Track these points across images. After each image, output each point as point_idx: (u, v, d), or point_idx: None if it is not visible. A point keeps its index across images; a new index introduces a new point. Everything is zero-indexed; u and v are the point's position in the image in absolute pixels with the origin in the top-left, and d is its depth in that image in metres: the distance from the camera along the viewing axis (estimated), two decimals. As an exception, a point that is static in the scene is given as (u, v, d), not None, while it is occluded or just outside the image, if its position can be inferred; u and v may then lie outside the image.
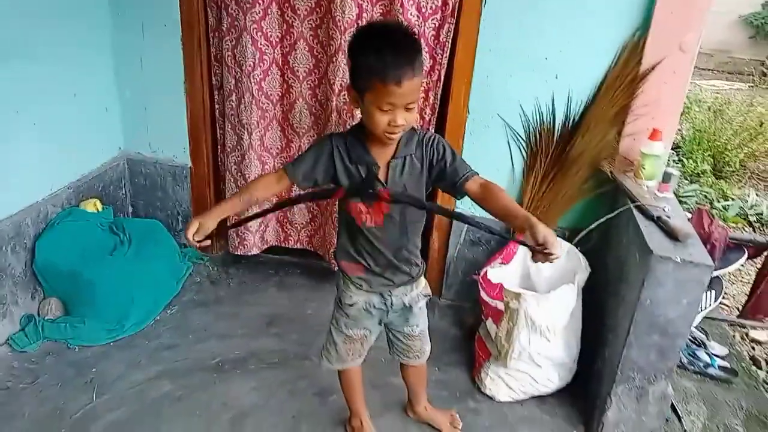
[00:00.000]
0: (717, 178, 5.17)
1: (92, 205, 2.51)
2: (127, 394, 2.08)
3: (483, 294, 2.10)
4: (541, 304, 1.93)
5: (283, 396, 2.13)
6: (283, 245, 2.85)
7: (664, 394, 1.87)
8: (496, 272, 2.13)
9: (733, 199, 4.65)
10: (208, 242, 1.50)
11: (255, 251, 2.77)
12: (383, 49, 1.33)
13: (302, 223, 2.78)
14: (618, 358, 1.86)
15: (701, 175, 5.06)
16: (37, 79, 2.27)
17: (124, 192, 2.84)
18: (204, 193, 2.82)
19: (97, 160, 2.68)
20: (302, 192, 1.65)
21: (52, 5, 2.27)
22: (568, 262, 2.17)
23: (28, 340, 2.25)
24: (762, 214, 4.48)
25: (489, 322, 2.13)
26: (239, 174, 2.62)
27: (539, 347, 2.01)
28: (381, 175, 1.51)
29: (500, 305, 2.03)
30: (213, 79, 2.60)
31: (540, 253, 1.28)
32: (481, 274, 2.13)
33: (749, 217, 4.46)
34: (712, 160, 5.36)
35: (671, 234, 1.79)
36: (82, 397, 2.05)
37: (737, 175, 5.40)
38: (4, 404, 2.00)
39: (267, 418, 2.03)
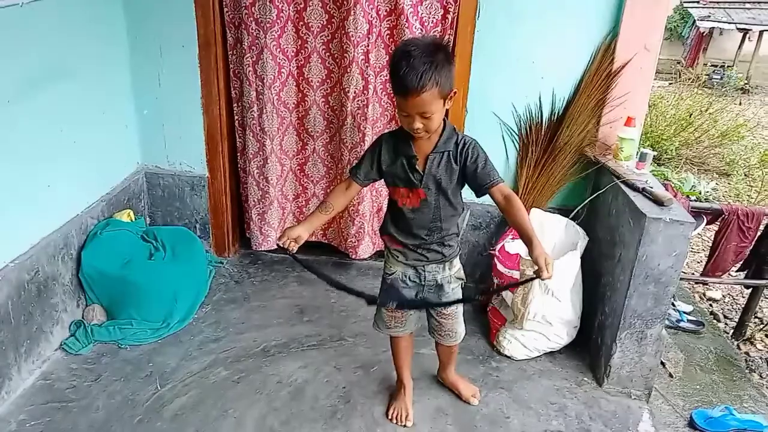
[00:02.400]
0: (658, 165, 5.75)
1: (126, 216, 2.67)
2: (189, 382, 2.27)
3: (499, 266, 2.42)
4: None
5: (330, 371, 2.37)
6: (299, 240, 3.08)
7: (659, 335, 2.24)
8: (510, 246, 2.45)
9: (679, 181, 5.21)
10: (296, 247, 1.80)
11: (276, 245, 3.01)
12: (398, 70, 1.62)
13: (317, 218, 3.03)
14: (621, 308, 2.22)
15: (645, 163, 5.61)
16: (74, 99, 2.43)
17: (143, 204, 3.00)
18: (221, 201, 3.02)
19: (120, 175, 2.84)
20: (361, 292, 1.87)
21: (72, 31, 2.40)
22: (567, 234, 2.53)
23: (80, 344, 2.40)
24: (701, 193, 5.05)
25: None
26: (261, 177, 2.85)
27: (551, 308, 2.35)
28: (420, 165, 1.80)
29: (516, 274, 2.35)
30: (232, 92, 2.82)
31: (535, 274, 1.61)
32: (498, 248, 2.45)
33: (690, 195, 5.02)
34: (651, 149, 5.94)
35: (656, 200, 2.17)
36: (147, 388, 2.23)
37: (674, 161, 6.03)
38: (77, 399, 2.15)
39: (321, 389, 2.27)
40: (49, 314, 2.33)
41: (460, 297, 2.02)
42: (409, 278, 1.95)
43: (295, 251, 1.79)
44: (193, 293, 2.69)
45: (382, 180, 1.92)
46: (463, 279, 2.01)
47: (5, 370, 2.10)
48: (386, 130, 2.74)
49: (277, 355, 2.45)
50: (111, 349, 2.43)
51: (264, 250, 3.07)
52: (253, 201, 2.95)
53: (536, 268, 1.60)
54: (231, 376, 2.32)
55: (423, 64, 1.59)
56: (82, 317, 2.52)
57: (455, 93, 1.74)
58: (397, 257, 1.95)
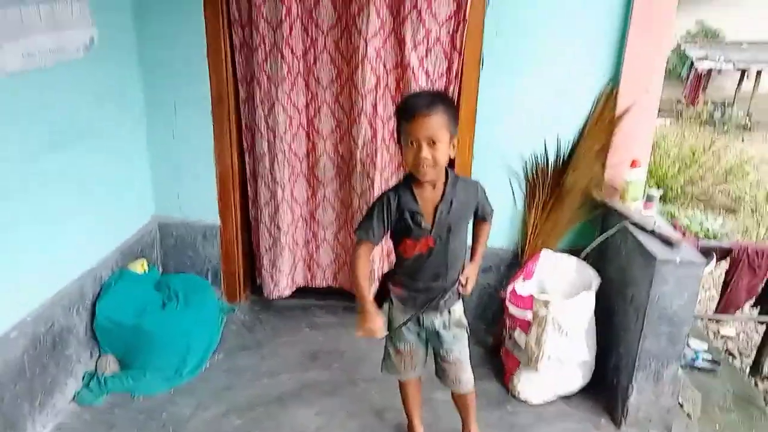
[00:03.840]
0: (665, 203, 5.79)
1: (140, 266, 2.72)
2: (203, 431, 2.26)
3: (512, 308, 2.43)
4: (566, 309, 2.28)
5: (344, 417, 2.36)
6: (310, 285, 3.12)
7: (675, 375, 2.22)
8: (522, 287, 2.46)
9: (687, 219, 5.24)
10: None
11: (288, 292, 3.06)
12: (406, 100, 1.77)
13: (327, 263, 3.07)
14: (635, 348, 2.21)
15: (651, 202, 5.65)
16: (91, 155, 2.50)
17: (155, 253, 3.04)
18: (232, 248, 3.06)
19: (134, 226, 2.89)
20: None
21: (92, 91, 2.49)
22: (579, 274, 2.54)
23: (93, 395, 2.40)
24: (709, 230, 5.07)
25: (517, 333, 2.44)
26: (272, 224, 2.91)
27: (565, 349, 2.34)
28: (428, 217, 1.81)
29: (529, 315, 2.36)
30: (244, 143, 2.90)
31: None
32: (510, 290, 2.46)
33: (698, 233, 5.03)
34: (657, 187, 5.99)
35: (666, 241, 2.20)
36: (161, 439, 2.22)
37: (680, 198, 6.06)
38: (92, 452, 2.15)
39: (335, 437, 2.25)
40: (63, 366, 2.34)
41: (465, 344, 2.01)
42: (410, 323, 1.96)
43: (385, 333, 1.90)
44: (206, 341, 2.70)
45: None
46: (465, 326, 2.00)
47: (20, 423, 2.11)
48: (393, 181, 2.81)
49: (290, 402, 2.44)
50: (124, 399, 2.43)
51: (275, 297, 3.09)
52: (265, 248, 2.99)
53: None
54: (245, 425, 2.30)
55: (431, 94, 1.80)
56: (95, 368, 2.53)
57: (458, 141, 1.79)
58: (397, 305, 1.96)
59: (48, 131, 2.23)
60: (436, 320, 1.94)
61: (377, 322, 1.79)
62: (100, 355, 2.57)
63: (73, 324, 2.40)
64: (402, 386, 2.14)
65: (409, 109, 1.71)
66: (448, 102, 1.75)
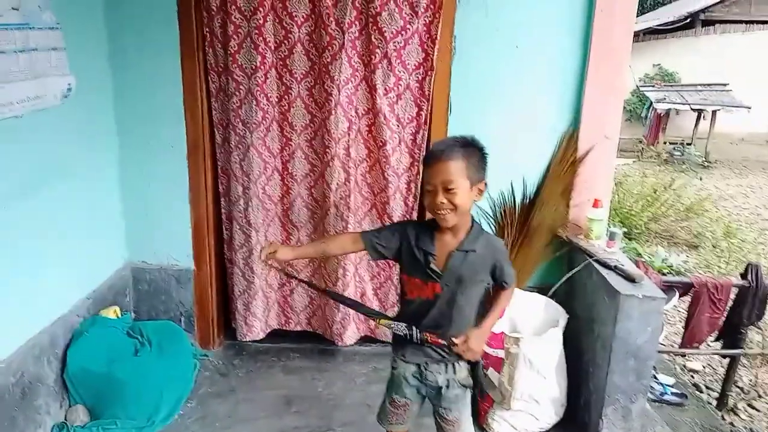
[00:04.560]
0: (629, 240, 5.96)
1: (113, 312, 2.69)
2: (176, 482, 2.22)
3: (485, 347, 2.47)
4: (537, 346, 2.34)
5: (320, 464, 2.34)
6: (284, 328, 3.11)
7: (644, 410, 2.28)
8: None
9: (650, 256, 5.39)
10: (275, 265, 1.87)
11: (261, 335, 3.05)
12: (430, 147, 1.81)
13: (302, 307, 3.08)
14: (604, 384, 2.27)
15: (616, 239, 5.80)
16: (65, 200, 2.50)
17: (128, 299, 3.02)
18: (206, 293, 3.05)
19: (107, 271, 2.87)
20: (357, 302, 2.06)
21: (66, 137, 2.50)
22: (547, 312, 2.61)
23: (62, 448, 2.34)
24: (672, 266, 5.22)
25: (491, 371, 2.48)
26: (246, 267, 2.92)
27: (537, 386, 2.39)
28: (440, 263, 1.77)
29: (501, 353, 2.41)
30: (220, 187, 2.93)
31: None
32: (482, 329, 2.51)
33: (661, 269, 5.18)
34: (621, 225, 6.18)
35: (628, 278, 2.29)
36: (133, 491, 2.17)
37: (644, 235, 6.24)
38: (60, 507, 2.08)
39: (312, 484, 2.23)
40: (32, 418, 2.28)
41: (467, 404, 1.94)
42: (410, 376, 1.90)
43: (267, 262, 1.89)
44: (179, 388, 2.66)
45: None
46: (468, 386, 1.91)
47: (-14, 479, 2.05)
48: (366, 223, 2.87)
49: (266, 449, 2.42)
50: (95, 451, 2.37)
51: (249, 341, 3.08)
52: (239, 291, 2.99)
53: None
54: (219, 474, 2.27)
55: (453, 141, 1.76)
56: (65, 419, 2.47)
57: (485, 186, 1.79)
58: (398, 353, 1.92)
59: (20, 177, 2.23)
60: (440, 376, 1.86)
61: (270, 250, 1.87)
62: (70, 406, 2.51)
63: (44, 373, 2.35)
64: None
65: (429, 155, 1.76)
66: (472, 149, 1.75)
